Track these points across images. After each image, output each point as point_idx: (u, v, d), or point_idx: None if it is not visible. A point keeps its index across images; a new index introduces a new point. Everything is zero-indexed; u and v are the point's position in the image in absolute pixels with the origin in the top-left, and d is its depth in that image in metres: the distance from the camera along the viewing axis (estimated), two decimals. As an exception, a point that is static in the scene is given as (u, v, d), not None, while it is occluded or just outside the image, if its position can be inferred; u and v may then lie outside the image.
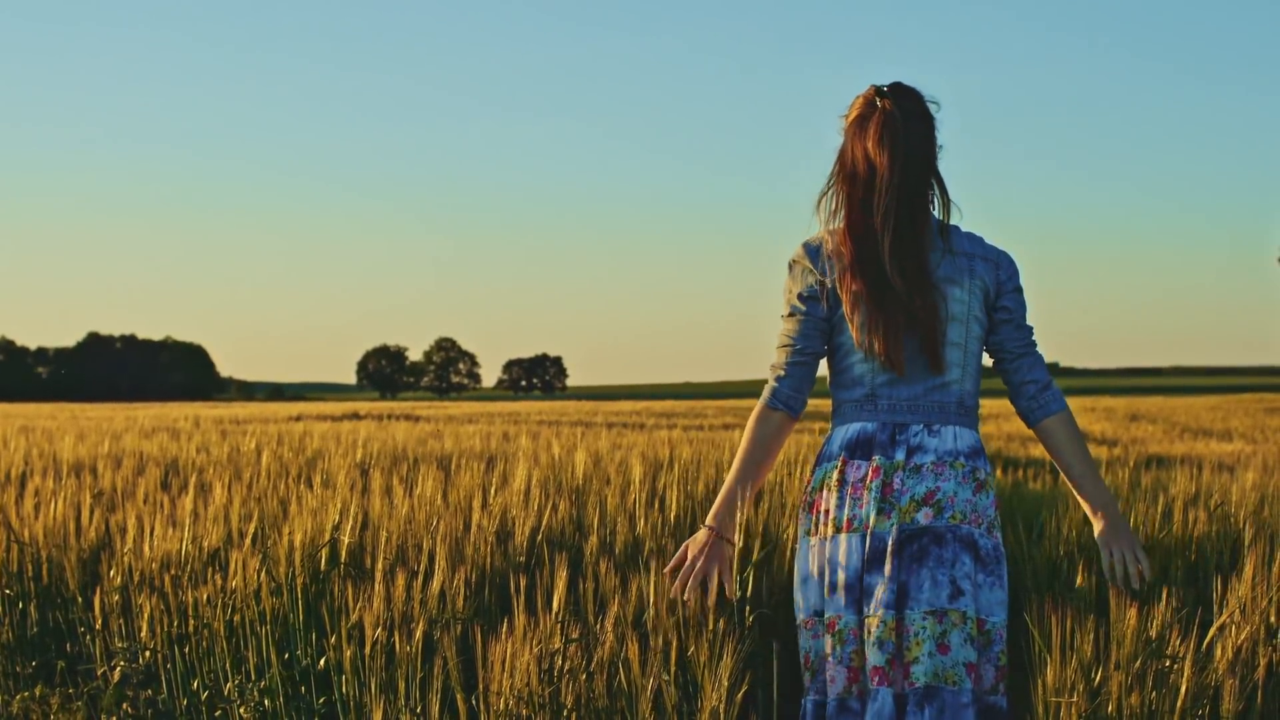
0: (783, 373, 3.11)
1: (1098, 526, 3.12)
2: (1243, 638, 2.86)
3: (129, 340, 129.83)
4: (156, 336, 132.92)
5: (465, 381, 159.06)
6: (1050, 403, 3.12)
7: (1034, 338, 3.17)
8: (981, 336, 3.12)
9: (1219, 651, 2.84)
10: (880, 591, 2.91)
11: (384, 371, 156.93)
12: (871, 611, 2.92)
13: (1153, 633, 2.76)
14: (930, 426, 3.03)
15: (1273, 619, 2.93)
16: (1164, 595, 2.84)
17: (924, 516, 2.95)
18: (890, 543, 2.92)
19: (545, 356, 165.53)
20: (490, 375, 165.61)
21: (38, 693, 4.56)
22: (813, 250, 3.09)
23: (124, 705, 4.09)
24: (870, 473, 2.99)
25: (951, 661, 2.89)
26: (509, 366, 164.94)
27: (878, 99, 3.06)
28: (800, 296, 3.08)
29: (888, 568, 2.92)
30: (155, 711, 4.08)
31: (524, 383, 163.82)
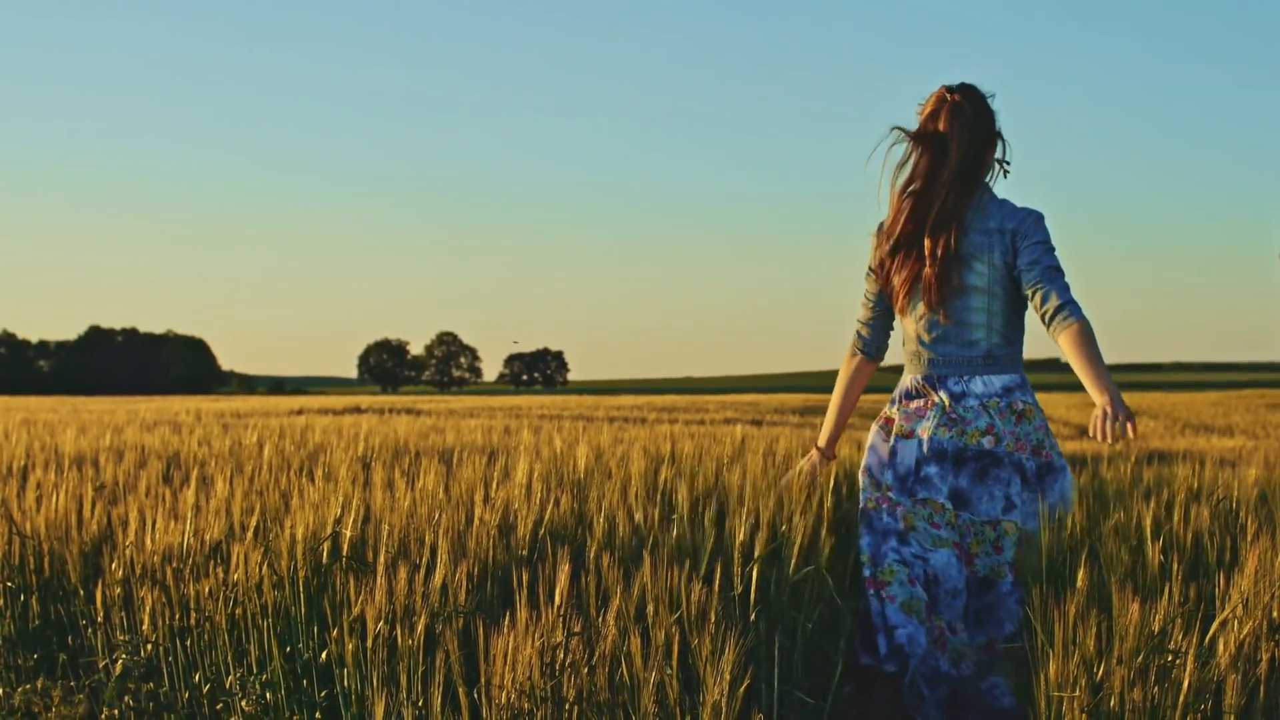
0: (867, 327, 4.02)
1: (1099, 401, 3.49)
2: (1245, 633, 2.86)
3: (130, 334, 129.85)
4: (158, 330, 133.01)
5: (466, 376, 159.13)
6: (1071, 315, 3.60)
7: (1057, 269, 3.69)
8: (1009, 300, 3.78)
9: (1221, 646, 2.84)
10: (941, 484, 3.68)
11: (385, 365, 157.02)
12: (934, 496, 3.67)
13: (1155, 627, 2.76)
14: (961, 377, 3.78)
15: (1275, 614, 2.92)
16: (1166, 590, 2.84)
17: (988, 442, 3.69)
18: (950, 451, 3.70)
19: (547, 351, 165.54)
20: (491, 369, 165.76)
21: (39, 686, 4.56)
22: (882, 228, 3.89)
23: (125, 698, 4.09)
24: (928, 404, 3.80)
25: (1002, 560, 3.62)
26: (510, 361, 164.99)
27: (948, 95, 3.81)
28: (876, 265, 3.90)
29: (951, 469, 3.69)
30: (157, 704, 4.08)
31: (525, 377, 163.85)
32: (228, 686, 3.94)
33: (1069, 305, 3.61)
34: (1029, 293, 3.69)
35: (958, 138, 3.74)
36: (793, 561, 3.69)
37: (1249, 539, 3.37)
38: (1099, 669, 2.78)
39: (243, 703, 3.86)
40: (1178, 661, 2.74)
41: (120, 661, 4.13)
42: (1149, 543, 3.58)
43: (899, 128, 3.82)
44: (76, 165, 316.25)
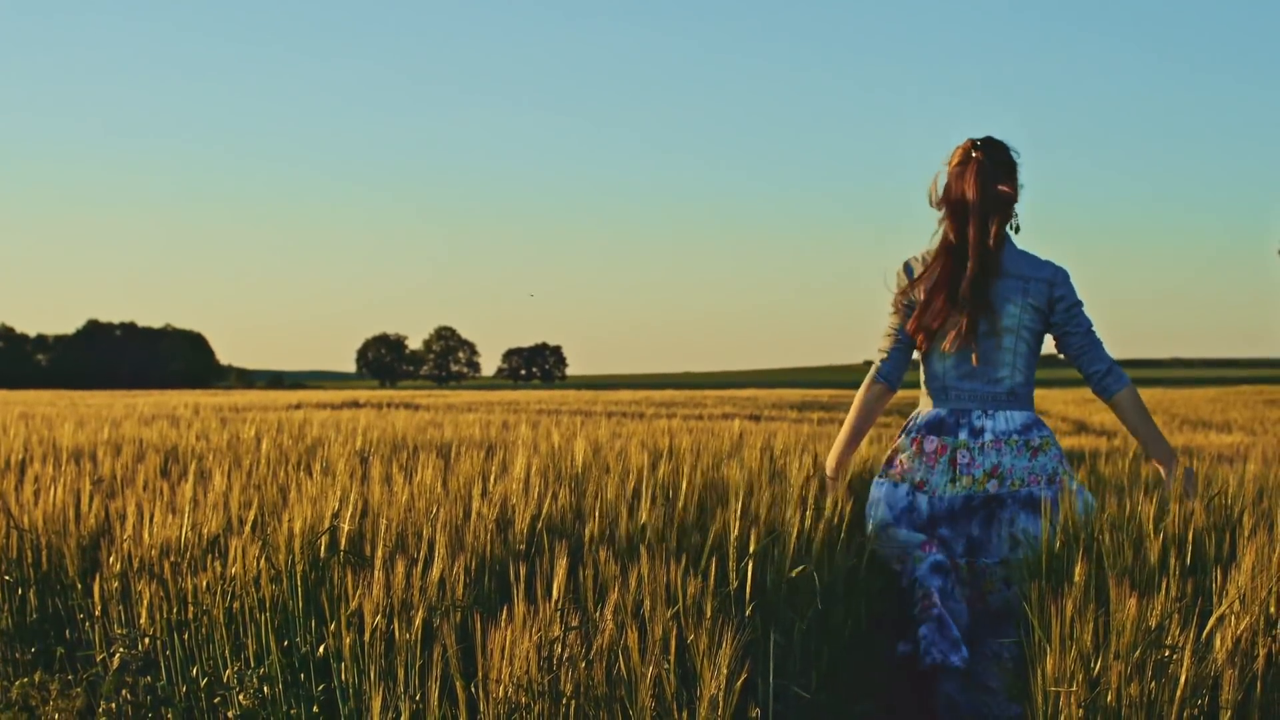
0: (885, 355, 4.21)
1: (1164, 474, 4.11)
2: (1242, 628, 2.86)
3: (129, 328, 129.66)
4: (156, 324, 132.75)
5: (464, 370, 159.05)
6: (1113, 384, 4.13)
7: (1093, 331, 4.14)
8: (1032, 342, 4.13)
9: (1218, 642, 2.84)
10: (955, 544, 4.00)
11: (383, 360, 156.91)
12: (951, 555, 3.98)
13: (1152, 623, 2.76)
14: (986, 412, 4.08)
15: (1272, 610, 2.92)
16: (1163, 586, 2.84)
17: (992, 486, 4.01)
18: (959, 503, 4.01)
19: (545, 345, 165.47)
20: (490, 364, 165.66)
21: (37, 679, 4.56)
22: (910, 267, 4.20)
23: (123, 692, 4.09)
24: (939, 449, 4.07)
25: (1012, 594, 3.91)
26: (508, 355, 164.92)
27: (973, 150, 4.11)
28: (902, 300, 4.17)
29: (959, 524, 4.01)
30: (154, 698, 4.08)
31: (523, 372, 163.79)
32: (225, 680, 3.94)
33: (1116, 369, 4.14)
34: (1074, 354, 4.16)
35: (981, 197, 4.05)
36: (788, 558, 3.70)
37: (1246, 535, 3.37)
38: (1096, 664, 2.78)
39: (240, 697, 3.86)
40: (1175, 657, 2.74)
41: (118, 655, 4.12)
42: (1149, 538, 3.58)
43: (933, 198, 4.18)
44: (75, 160, 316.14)
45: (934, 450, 4.08)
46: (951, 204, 4.11)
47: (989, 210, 4.05)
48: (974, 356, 4.08)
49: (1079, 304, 4.14)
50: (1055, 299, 4.11)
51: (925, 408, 4.18)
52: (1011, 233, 4.14)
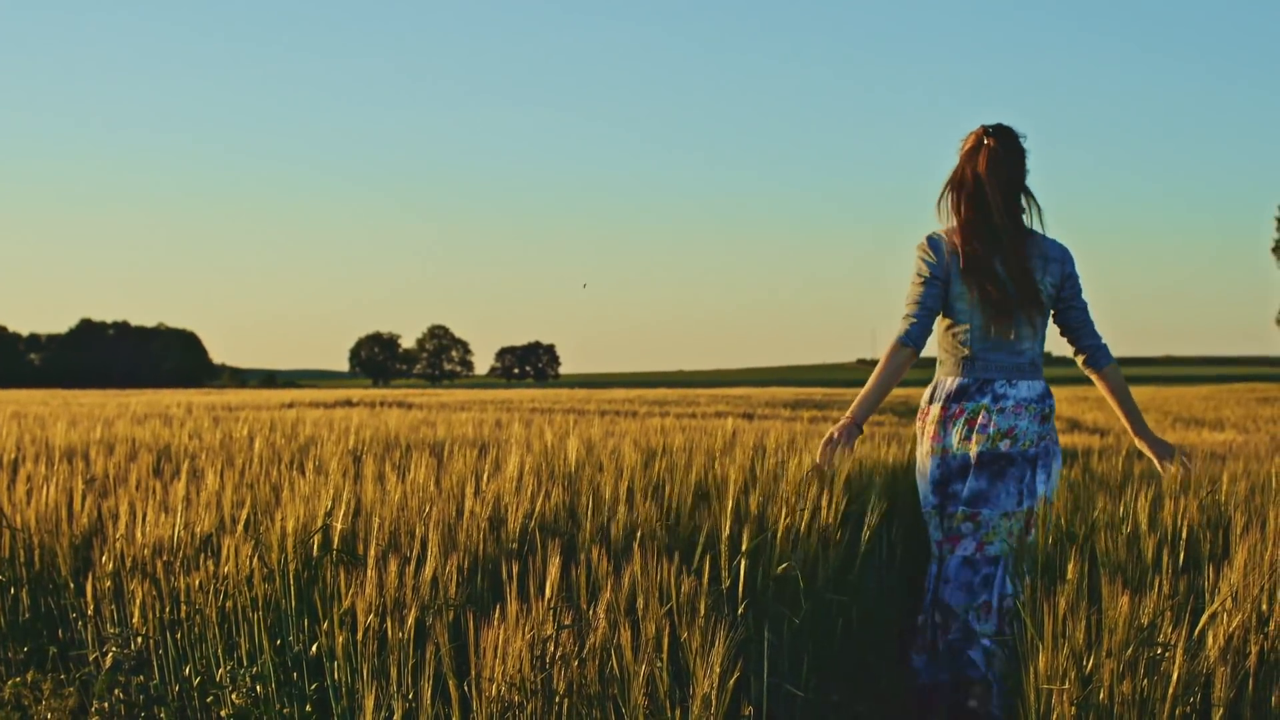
0: (914, 320, 4.38)
1: (1147, 452, 4.58)
2: (1234, 625, 2.86)
3: (122, 327, 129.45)
4: (149, 323, 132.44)
5: (458, 369, 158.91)
6: (1103, 359, 4.55)
7: (1086, 311, 4.52)
8: (1045, 316, 4.45)
9: (1210, 639, 2.84)
10: (962, 491, 4.32)
11: (377, 359, 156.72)
12: (954, 509, 4.33)
13: (1144, 620, 2.76)
14: (1010, 380, 4.38)
15: (1264, 607, 2.93)
16: (1156, 583, 2.84)
17: (1004, 445, 4.31)
18: (973, 458, 4.32)
19: (538, 344, 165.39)
20: (483, 363, 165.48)
21: (30, 678, 4.56)
22: (934, 241, 4.41)
23: (116, 691, 4.08)
24: (958, 412, 4.37)
25: (1012, 543, 4.23)
26: (502, 354, 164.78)
27: (985, 137, 4.39)
28: (927, 272, 4.38)
29: (970, 479, 4.31)
30: (147, 697, 4.08)
31: (517, 370, 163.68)
32: (218, 679, 3.94)
33: (1104, 348, 4.56)
34: (1073, 326, 4.53)
35: (992, 178, 4.35)
36: (775, 555, 3.70)
37: (1239, 532, 3.38)
38: (1088, 661, 2.78)
39: (233, 695, 3.85)
40: (1167, 654, 2.74)
41: (110, 654, 4.12)
42: (1144, 537, 3.58)
43: (951, 187, 4.44)
44: (67, 158, 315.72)
45: (952, 416, 4.39)
46: (963, 188, 4.40)
47: (1004, 191, 4.35)
48: (1007, 330, 4.37)
49: (1079, 281, 4.50)
50: (1066, 275, 4.46)
51: (949, 376, 4.44)
52: (1034, 215, 4.44)
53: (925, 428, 4.46)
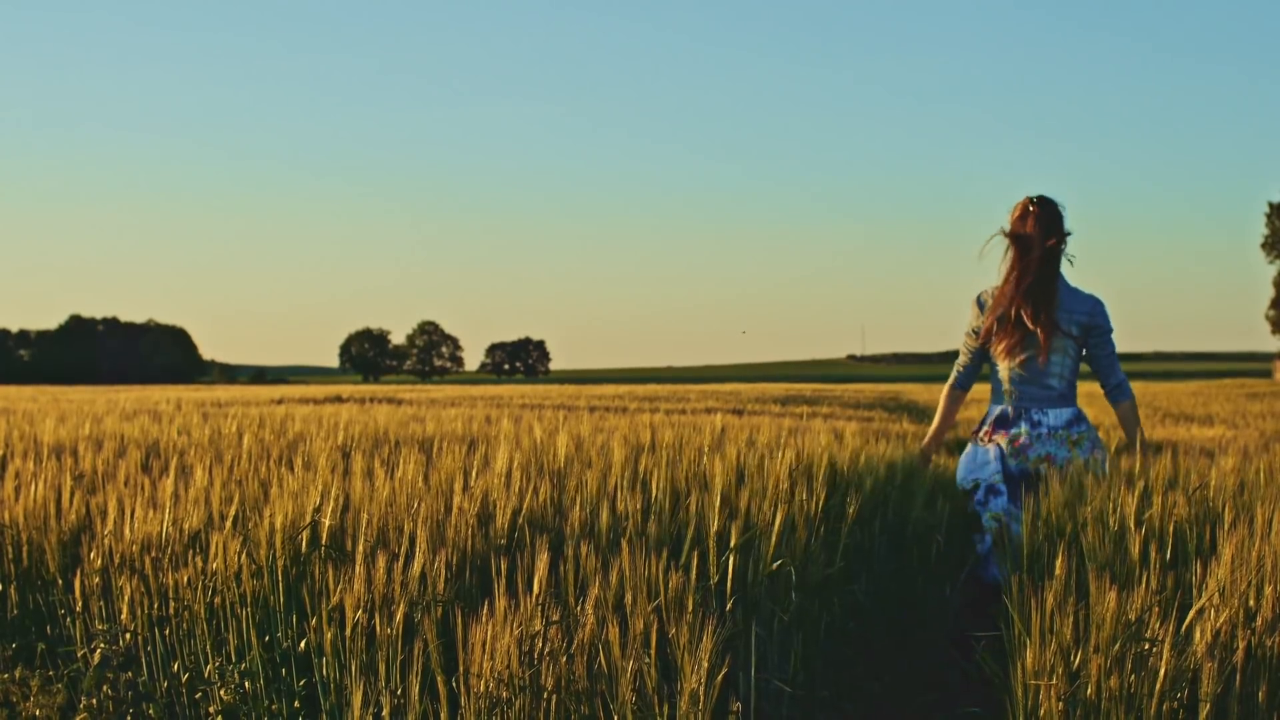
0: (961, 370, 5.73)
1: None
2: (1222, 621, 2.87)
3: (111, 323, 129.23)
4: (139, 319, 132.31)
5: (448, 365, 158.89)
6: (1121, 396, 5.61)
7: (1114, 353, 5.53)
8: (1075, 357, 5.47)
9: (1198, 634, 2.85)
10: (1004, 498, 5.29)
11: (367, 355, 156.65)
12: (993, 508, 5.28)
13: (1132, 616, 2.77)
14: (1042, 409, 5.44)
15: (1252, 602, 2.93)
16: (1143, 579, 2.85)
17: (1043, 469, 5.30)
18: (1016, 474, 5.35)
19: (528, 340, 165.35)
20: (473, 359, 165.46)
21: (17, 675, 4.55)
22: (980, 302, 5.55)
23: (104, 687, 4.07)
24: (1004, 434, 5.45)
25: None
26: (492, 350, 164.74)
27: (1031, 206, 5.42)
28: (974, 328, 5.57)
29: (1007, 489, 5.30)
30: (135, 694, 4.07)
31: (507, 366, 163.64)
32: (206, 675, 3.94)
33: (1125, 385, 5.63)
34: (1099, 366, 5.56)
35: (1039, 237, 5.37)
36: (769, 552, 3.70)
37: (1226, 528, 3.38)
38: (1076, 657, 2.79)
39: (221, 692, 3.85)
40: (1154, 650, 2.75)
41: (99, 651, 4.11)
42: (1130, 532, 3.58)
43: (1002, 230, 5.46)
44: (56, 155, 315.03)
45: (1002, 434, 5.47)
46: (1018, 247, 5.41)
47: (1046, 249, 5.36)
48: (1034, 367, 5.43)
49: (1109, 330, 5.48)
50: (1092, 327, 5.46)
51: (996, 406, 5.56)
52: (1068, 264, 5.45)
53: (982, 438, 5.53)
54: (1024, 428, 5.44)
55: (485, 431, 7.32)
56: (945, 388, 5.84)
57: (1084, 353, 5.55)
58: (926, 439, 5.99)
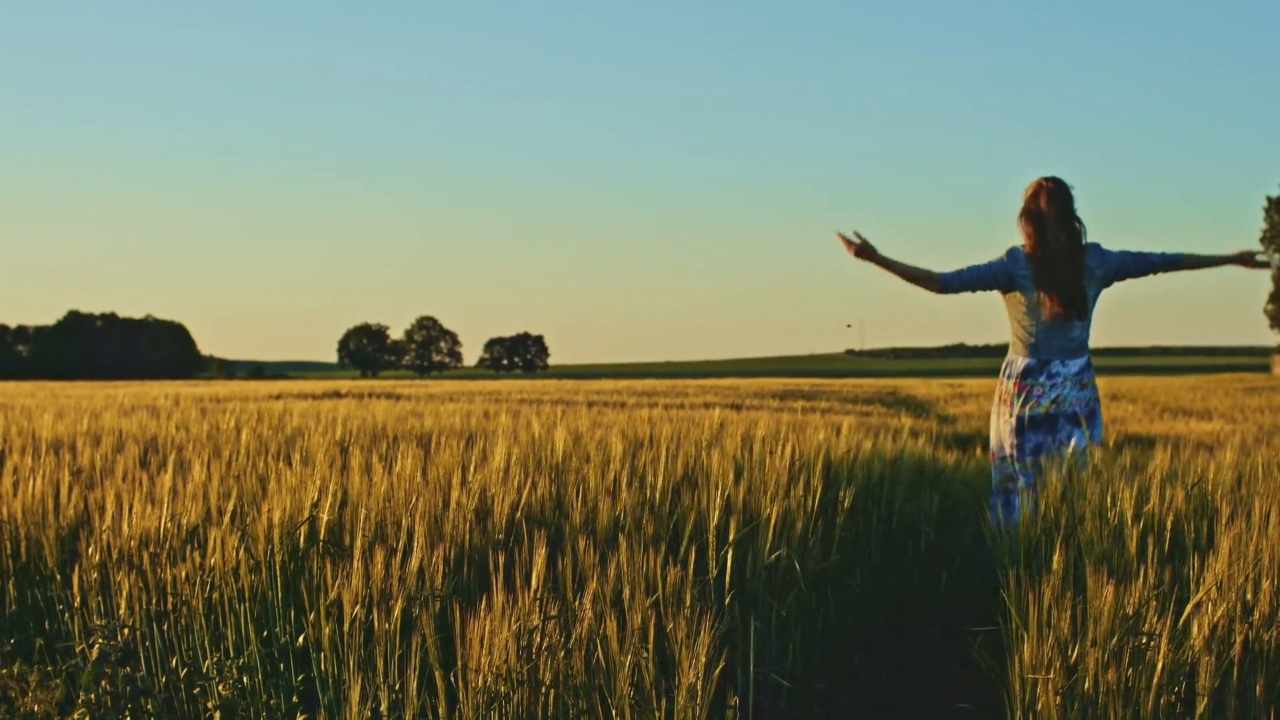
0: (960, 279, 6.00)
1: (1231, 262, 6.12)
2: (1219, 615, 2.87)
3: (109, 318, 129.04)
4: (137, 315, 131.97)
5: (446, 360, 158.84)
6: (1172, 255, 6.04)
7: (1131, 252, 6.01)
8: (1092, 312, 5.99)
9: (1196, 628, 2.85)
10: (1026, 445, 5.95)
11: (365, 350, 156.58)
12: (1021, 458, 5.95)
13: (1130, 610, 2.77)
14: (1063, 360, 5.99)
15: (1249, 596, 2.93)
16: (1141, 573, 2.85)
17: (1054, 409, 5.95)
18: (1027, 420, 5.96)
19: (527, 335, 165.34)
20: (472, 354, 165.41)
21: (16, 670, 4.55)
22: (1014, 251, 5.99)
23: (102, 683, 4.08)
24: (1021, 387, 6.00)
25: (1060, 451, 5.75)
26: (490, 345, 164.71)
27: (1044, 183, 5.93)
28: (996, 265, 5.99)
29: (1031, 434, 5.94)
30: (133, 689, 4.07)
31: (505, 362, 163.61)
32: (205, 671, 3.94)
33: (1168, 255, 6.03)
34: (1140, 268, 6.00)
35: (1051, 210, 5.89)
36: (764, 545, 3.70)
37: (1224, 522, 3.38)
38: (1074, 651, 2.79)
39: (219, 687, 3.85)
40: (1152, 644, 2.75)
41: (97, 646, 4.11)
42: (1128, 526, 3.58)
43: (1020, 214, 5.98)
44: (55, 150, 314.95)
45: (1024, 389, 6.00)
46: (1032, 219, 5.91)
47: (1059, 217, 5.87)
48: (1061, 324, 5.91)
49: (1120, 254, 5.99)
50: (1108, 270, 5.95)
51: (1019, 357, 6.07)
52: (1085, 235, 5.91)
53: (1002, 397, 6.08)
54: (1043, 379, 5.97)
55: (483, 426, 7.33)
56: (934, 271, 6.00)
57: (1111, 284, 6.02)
58: (881, 257, 6.00)
